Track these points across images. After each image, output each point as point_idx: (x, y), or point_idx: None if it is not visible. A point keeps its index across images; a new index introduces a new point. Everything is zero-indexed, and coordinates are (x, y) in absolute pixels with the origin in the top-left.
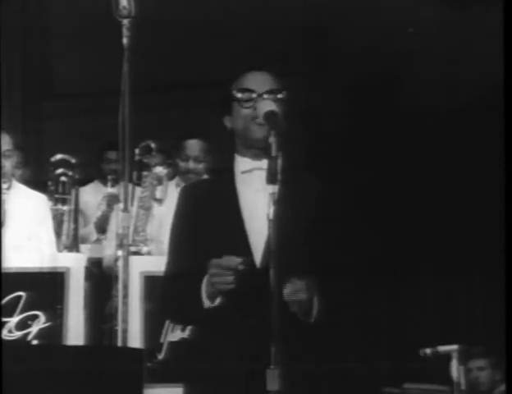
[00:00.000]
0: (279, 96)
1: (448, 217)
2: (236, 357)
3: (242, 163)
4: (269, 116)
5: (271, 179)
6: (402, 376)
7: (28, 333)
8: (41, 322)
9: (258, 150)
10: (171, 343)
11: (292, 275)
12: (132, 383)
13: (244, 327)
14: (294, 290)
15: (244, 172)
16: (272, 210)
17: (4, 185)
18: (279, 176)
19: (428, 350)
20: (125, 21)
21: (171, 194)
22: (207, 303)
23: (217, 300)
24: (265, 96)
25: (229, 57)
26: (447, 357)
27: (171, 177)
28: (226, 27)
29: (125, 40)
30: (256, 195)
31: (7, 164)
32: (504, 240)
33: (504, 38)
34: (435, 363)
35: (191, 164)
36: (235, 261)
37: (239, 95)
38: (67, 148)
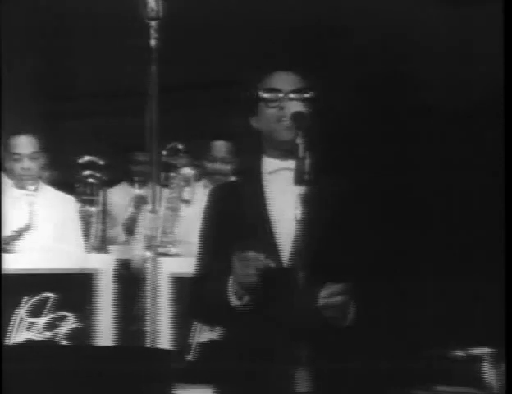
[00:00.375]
0: (305, 96)
1: (471, 216)
2: (265, 358)
3: (269, 164)
4: (296, 116)
5: (299, 180)
6: (430, 377)
7: (56, 334)
8: (70, 323)
9: (285, 150)
10: (200, 344)
11: (323, 276)
12: (161, 384)
13: (272, 328)
14: (330, 294)
15: (271, 173)
16: (299, 211)
17: (31, 187)
18: (307, 177)
19: (460, 353)
20: (153, 23)
21: (198, 196)
22: (234, 301)
23: (245, 299)
24: (291, 96)
25: (255, 57)
26: (478, 359)
27: (198, 178)
28: (252, 27)
29: (152, 42)
30: (283, 196)
31: (34, 166)
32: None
33: (504, 38)
34: (464, 365)
35: (218, 165)
36: (258, 257)
37: (265, 95)
38: (94, 149)
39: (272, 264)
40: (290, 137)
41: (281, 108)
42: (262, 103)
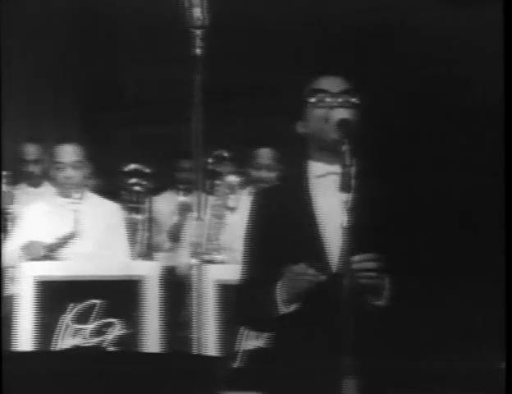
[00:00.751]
0: (352, 100)
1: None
2: (312, 366)
3: (316, 168)
4: (342, 124)
5: (344, 187)
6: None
7: (103, 340)
8: (116, 330)
9: (332, 154)
10: (246, 351)
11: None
12: (207, 391)
13: (319, 335)
14: (362, 259)
15: (318, 177)
16: (346, 218)
17: (76, 195)
18: (352, 184)
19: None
20: (198, 32)
21: (243, 203)
22: (282, 309)
23: (293, 306)
24: (339, 99)
25: (300, 63)
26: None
27: (243, 186)
28: (296, 32)
29: (198, 50)
30: (330, 200)
31: (77, 174)
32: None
33: (504, 38)
34: None
35: (263, 173)
36: (310, 271)
37: (312, 98)
38: (140, 157)
39: (322, 277)
40: (337, 138)
41: (329, 108)
42: (309, 107)
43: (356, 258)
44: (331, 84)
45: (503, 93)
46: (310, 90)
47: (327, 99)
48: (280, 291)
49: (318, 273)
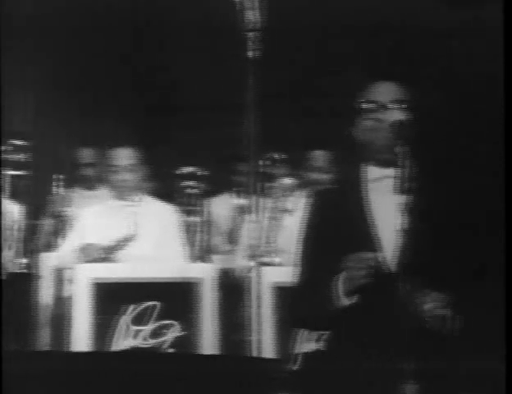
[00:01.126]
0: (406, 103)
1: None
2: (372, 368)
3: (370, 172)
4: (396, 125)
5: (400, 189)
6: None
7: (162, 342)
8: (175, 331)
9: (385, 159)
10: (304, 353)
11: (427, 286)
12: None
13: (377, 337)
14: (434, 306)
15: (372, 181)
16: (401, 220)
17: (134, 198)
18: (408, 186)
19: None
20: (251, 34)
21: (299, 205)
22: (343, 300)
23: (354, 298)
24: (390, 106)
25: (355, 66)
26: None
27: (298, 188)
28: (351, 36)
29: (251, 53)
30: (385, 203)
31: (133, 178)
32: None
33: (504, 38)
34: None
35: (317, 175)
36: (368, 255)
37: (364, 106)
38: (196, 160)
39: (379, 263)
40: (390, 146)
41: (379, 120)
42: (361, 113)
43: (427, 306)
44: (385, 91)
45: (503, 93)
46: (364, 95)
47: (381, 104)
48: (340, 283)
49: (375, 256)
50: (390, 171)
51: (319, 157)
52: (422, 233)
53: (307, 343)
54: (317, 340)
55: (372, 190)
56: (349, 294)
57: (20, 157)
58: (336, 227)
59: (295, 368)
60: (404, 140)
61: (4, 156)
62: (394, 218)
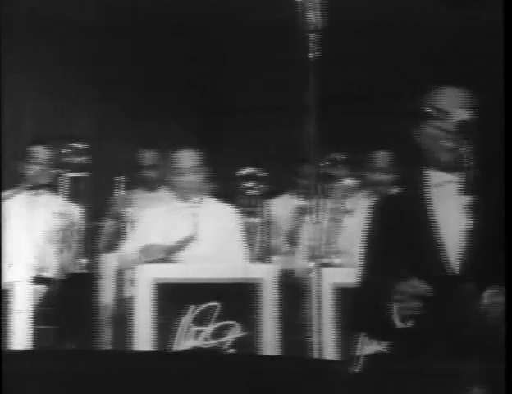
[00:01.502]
0: (469, 109)
1: None
2: (434, 374)
3: (433, 176)
4: (462, 126)
5: (465, 190)
6: None
7: (223, 342)
8: (236, 332)
9: (449, 164)
10: (367, 355)
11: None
12: None
13: (442, 339)
14: (494, 295)
15: (435, 186)
16: (467, 221)
17: (195, 199)
18: (473, 187)
19: None
20: (312, 35)
21: (360, 206)
22: (399, 324)
23: (409, 323)
24: (454, 111)
25: (418, 69)
26: None
27: (359, 189)
28: (414, 38)
29: (311, 54)
30: (449, 208)
31: (196, 179)
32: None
33: (504, 38)
34: None
35: (379, 176)
36: (422, 287)
37: (428, 110)
38: (256, 161)
39: (430, 294)
40: (453, 151)
41: (443, 126)
42: (425, 118)
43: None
44: (449, 97)
45: (503, 93)
46: (427, 102)
47: (444, 110)
48: (396, 310)
49: (430, 288)
50: (454, 176)
51: (381, 157)
52: (486, 233)
53: (369, 345)
54: (379, 342)
55: (435, 193)
56: (402, 321)
57: (82, 159)
58: (400, 233)
59: (357, 370)
60: (468, 142)
61: (65, 159)
62: (457, 222)
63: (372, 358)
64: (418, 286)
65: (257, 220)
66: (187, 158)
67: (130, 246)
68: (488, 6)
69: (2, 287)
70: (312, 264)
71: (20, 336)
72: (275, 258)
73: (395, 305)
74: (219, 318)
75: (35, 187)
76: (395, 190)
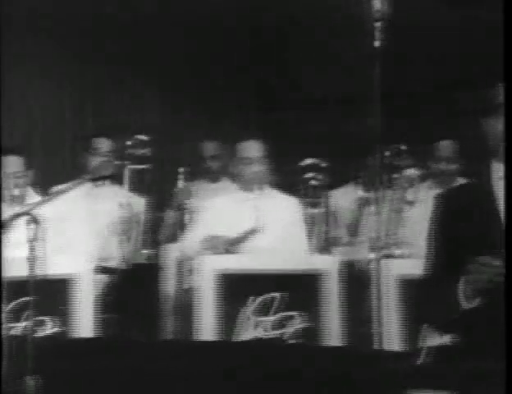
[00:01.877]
0: None
1: None
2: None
3: (499, 169)
4: None
5: None
6: None
7: (284, 333)
8: (297, 323)
9: None
10: (431, 348)
11: None
12: (391, 388)
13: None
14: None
15: (501, 179)
16: None
17: (258, 190)
18: None
19: None
20: (378, 24)
21: (422, 197)
22: (464, 304)
23: (476, 301)
24: None
25: (487, 58)
26: None
27: (423, 179)
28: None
29: (377, 43)
30: None
31: (262, 170)
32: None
33: (504, 38)
34: None
35: (443, 166)
36: (495, 262)
37: (498, 98)
38: (318, 152)
39: (504, 270)
40: None
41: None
42: (496, 107)
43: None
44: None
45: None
46: (495, 89)
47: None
48: (463, 286)
49: (503, 265)
50: None
51: (446, 147)
52: None
53: (434, 337)
54: (444, 334)
55: (500, 187)
56: (469, 297)
57: (145, 151)
58: (465, 225)
59: (420, 362)
60: None
61: (129, 151)
62: None
63: (435, 350)
64: (491, 260)
65: (318, 211)
66: (252, 149)
67: (193, 237)
68: (488, 6)
69: (65, 277)
70: (373, 255)
71: (86, 326)
72: (336, 249)
73: (462, 280)
74: (280, 309)
75: (98, 178)
76: (461, 181)
